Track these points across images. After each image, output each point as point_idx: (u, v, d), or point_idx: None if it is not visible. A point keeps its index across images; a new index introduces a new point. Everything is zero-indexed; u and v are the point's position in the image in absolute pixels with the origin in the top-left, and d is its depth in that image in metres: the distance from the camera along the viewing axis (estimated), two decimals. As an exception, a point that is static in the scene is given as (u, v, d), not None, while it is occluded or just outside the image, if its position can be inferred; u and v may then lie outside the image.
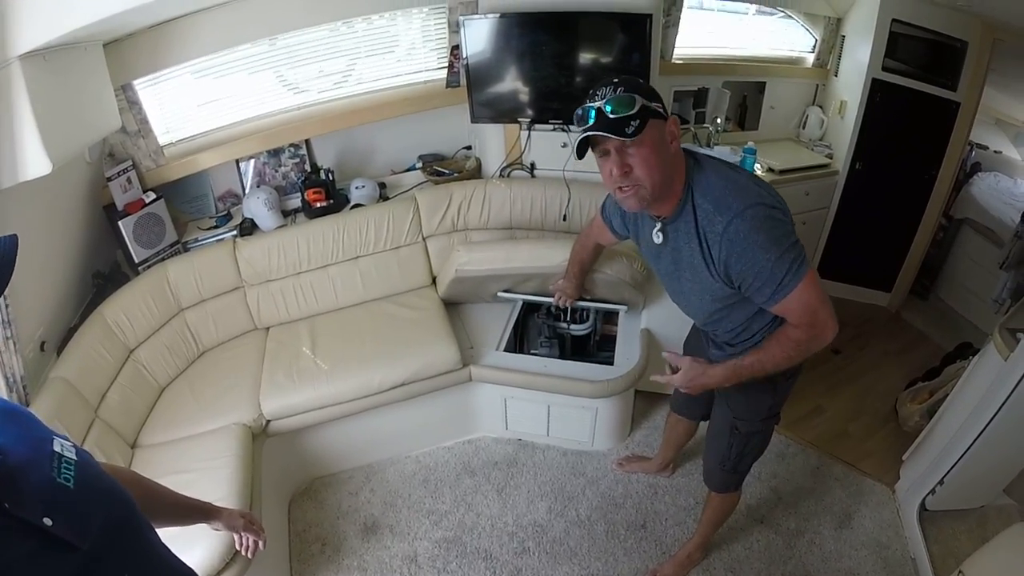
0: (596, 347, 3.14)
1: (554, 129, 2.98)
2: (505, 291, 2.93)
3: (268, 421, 2.58)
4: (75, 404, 2.24)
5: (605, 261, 2.53)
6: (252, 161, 3.29)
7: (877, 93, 3.53)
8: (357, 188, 3.18)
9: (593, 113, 1.48)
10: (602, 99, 1.48)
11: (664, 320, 2.90)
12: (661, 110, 1.53)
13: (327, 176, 3.15)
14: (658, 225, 1.68)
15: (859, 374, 3.47)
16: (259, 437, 2.57)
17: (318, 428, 2.72)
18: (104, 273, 2.90)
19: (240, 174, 3.39)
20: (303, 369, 2.69)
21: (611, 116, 1.46)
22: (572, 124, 1.58)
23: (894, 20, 3.35)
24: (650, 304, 2.89)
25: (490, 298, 3.01)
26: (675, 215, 1.61)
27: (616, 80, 1.50)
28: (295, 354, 2.79)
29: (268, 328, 3.04)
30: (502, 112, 3.00)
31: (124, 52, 2.57)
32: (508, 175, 3.16)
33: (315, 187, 3.09)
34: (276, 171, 3.41)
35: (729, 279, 1.57)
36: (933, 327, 3.89)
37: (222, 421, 2.50)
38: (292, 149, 3.39)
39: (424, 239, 3.11)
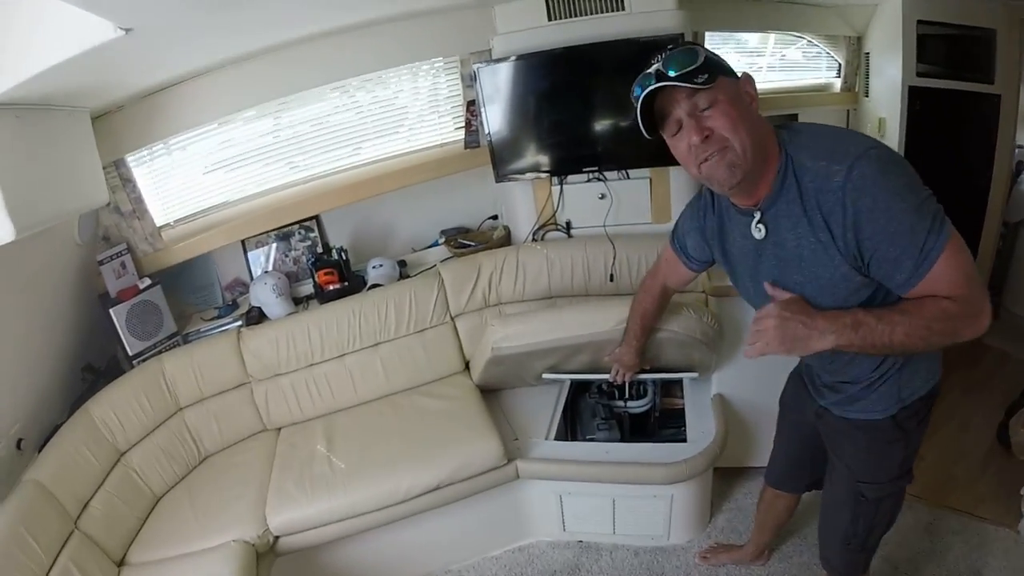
0: (657, 424, 2.65)
1: (589, 179, 2.64)
2: (550, 371, 2.50)
3: (276, 537, 2.16)
4: (49, 512, 1.92)
5: (670, 317, 2.10)
6: (263, 248, 2.98)
7: (916, 101, 3.17)
8: (375, 268, 2.80)
9: (652, 80, 1.21)
10: (659, 62, 1.21)
11: (739, 381, 2.45)
12: (729, 69, 1.26)
13: (340, 255, 2.80)
14: (756, 216, 1.33)
15: (949, 411, 2.99)
16: (266, 556, 2.16)
17: (337, 544, 2.26)
18: (98, 368, 2.60)
19: (247, 260, 3.11)
20: (317, 476, 2.26)
21: (674, 75, 1.19)
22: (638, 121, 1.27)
23: (919, 22, 3.06)
24: (721, 365, 2.44)
25: (534, 380, 2.57)
26: (774, 194, 1.28)
27: (669, 47, 1.24)
28: (308, 458, 2.37)
29: (279, 429, 2.64)
30: (529, 166, 2.66)
31: (115, 125, 2.38)
32: (542, 238, 2.78)
33: (327, 268, 2.74)
34: (287, 256, 3.08)
35: (859, 253, 1.21)
36: (1012, 343, 3.39)
37: (221, 537, 2.10)
38: (303, 232, 3.08)
39: (452, 318, 2.71)
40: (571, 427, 2.64)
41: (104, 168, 2.34)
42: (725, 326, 2.30)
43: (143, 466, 2.35)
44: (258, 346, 2.59)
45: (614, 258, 2.61)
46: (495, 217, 3.10)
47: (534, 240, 2.77)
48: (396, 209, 3.10)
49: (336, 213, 3.03)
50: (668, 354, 2.25)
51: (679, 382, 2.62)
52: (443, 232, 3.08)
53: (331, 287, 2.73)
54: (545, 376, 2.51)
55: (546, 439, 2.39)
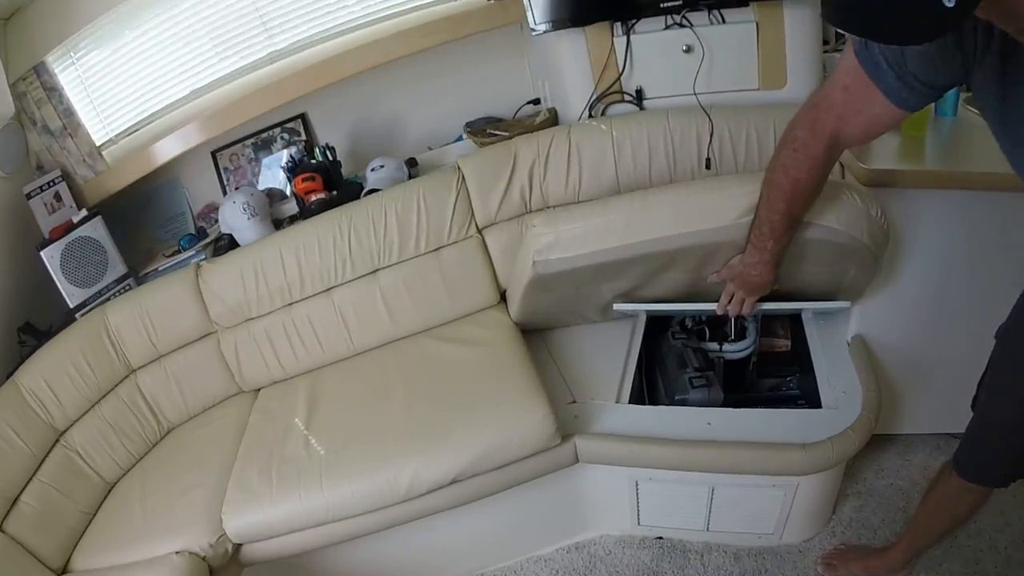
0: (755, 374, 1.86)
1: (668, 26, 1.78)
2: (624, 299, 1.69)
3: (238, 545, 1.56)
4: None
5: (825, 207, 1.28)
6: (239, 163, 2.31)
7: None
8: (373, 171, 2.05)
9: None
10: None
11: (891, 316, 1.65)
12: None
13: (325, 155, 2.03)
14: None
15: None
16: (226, 570, 1.57)
17: (327, 551, 1.62)
18: (41, 328, 2.04)
19: (221, 179, 2.39)
20: (288, 463, 1.59)
21: None
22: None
23: None
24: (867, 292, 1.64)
25: (597, 315, 1.79)
26: None
27: None
28: (282, 434, 1.69)
29: (258, 390, 1.96)
30: (582, 8, 1.80)
31: (27, 22, 1.95)
32: (602, 113, 1.93)
33: (306, 172, 1.98)
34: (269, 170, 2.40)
35: None
36: None
37: (169, 544, 1.52)
38: (286, 136, 2.35)
39: (479, 231, 1.90)
40: (649, 382, 1.85)
41: (23, 78, 1.98)
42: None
43: (88, 447, 1.79)
44: (221, 284, 1.89)
45: (711, 136, 1.76)
46: (536, 101, 2.27)
47: (591, 117, 1.93)
48: (405, 99, 2.33)
49: (328, 109, 2.31)
50: (810, 270, 1.44)
51: (786, 317, 1.82)
52: (468, 125, 2.27)
53: (314, 198, 1.96)
54: (617, 308, 1.69)
55: (617, 402, 1.61)
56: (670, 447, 1.48)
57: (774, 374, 1.83)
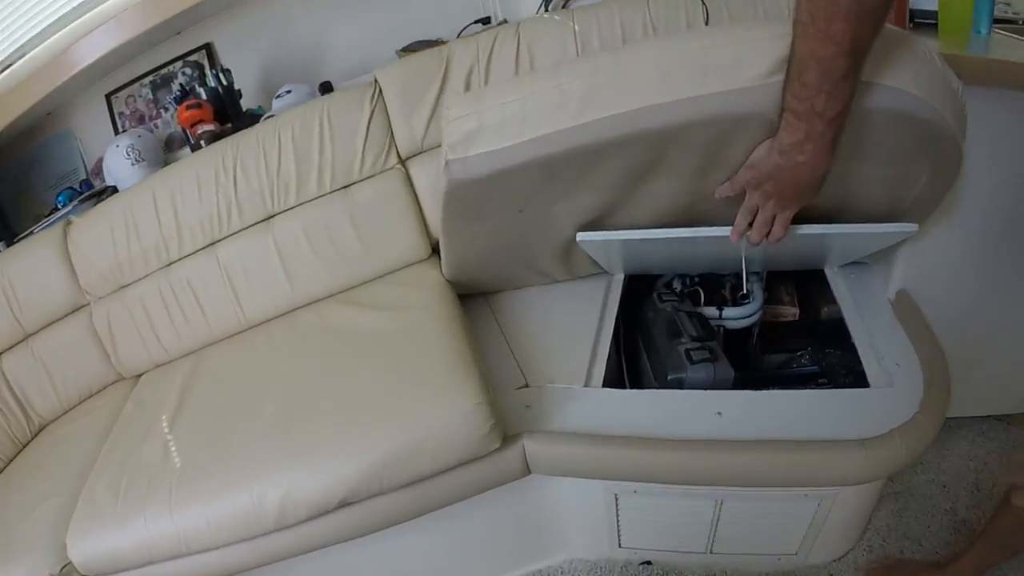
0: (758, 348, 1.40)
1: None
2: (589, 223, 1.14)
3: None
4: None
5: (887, 60, 0.80)
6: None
7: None
8: (279, 98, 1.58)
9: None
10: None
11: (946, 262, 1.20)
12: None
13: (219, 80, 1.57)
14: None
15: None
16: None
17: None
18: None
19: (115, 124, 1.99)
20: (143, 468, 1.15)
21: None
22: None
23: None
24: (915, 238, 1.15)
25: (557, 264, 1.28)
26: None
27: None
28: (144, 431, 1.24)
29: (139, 376, 1.51)
30: None
31: None
32: (563, 5, 1.48)
33: (192, 101, 1.53)
34: (166, 110, 1.91)
35: None
36: None
37: (7, 571, 1.12)
38: (188, 72, 1.89)
39: (402, 161, 1.42)
40: (631, 362, 1.36)
41: None
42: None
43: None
44: (90, 243, 1.46)
45: (706, 23, 1.31)
46: (486, 20, 1.79)
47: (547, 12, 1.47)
48: (328, 23, 1.86)
49: (237, 36, 1.83)
50: (866, 174, 0.97)
51: (792, 281, 1.38)
52: (401, 50, 1.75)
53: (201, 130, 1.50)
54: (582, 239, 1.15)
55: (586, 386, 1.14)
56: (664, 451, 1.01)
57: (782, 348, 1.37)
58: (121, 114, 1.86)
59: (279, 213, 1.38)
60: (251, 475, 1.04)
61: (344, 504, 1.02)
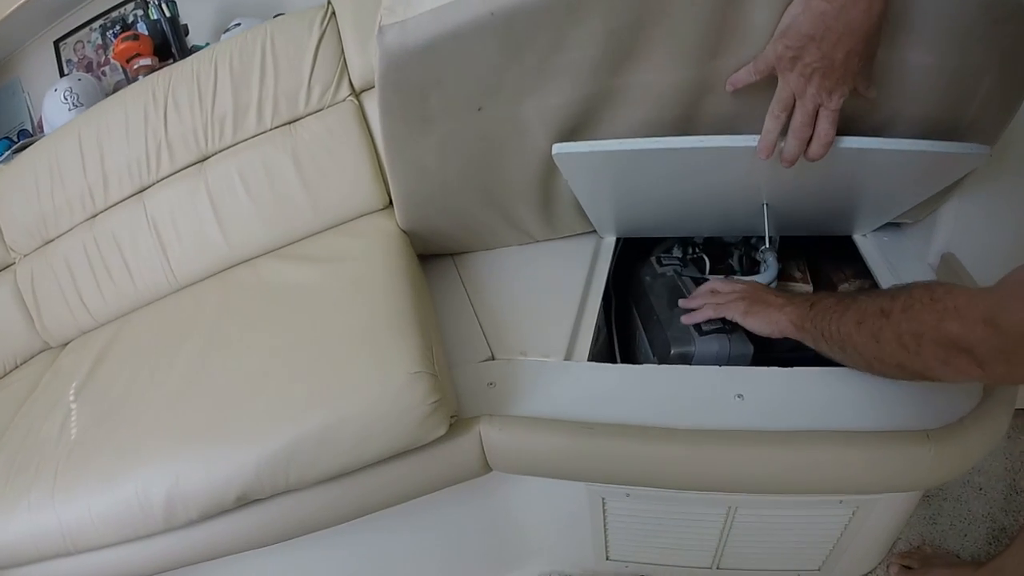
0: None
1: None
2: (569, 136, 0.87)
3: None
4: None
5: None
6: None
7: None
8: (228, 31, 1.36)
9: None
10: None
11: (997, 219, 0.95)
12: None
13: (161, 11, 1.34)
14: None
15: None
16: None
17: None
18: None
19: (63, 72, 1.79)
20: (39, 445, 0.93)
21: None
22: None
23: None
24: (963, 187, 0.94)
25: (531, 206, 1.00)
26: None
27: None
28: (52, 403, 1.02)
29: (66, 344, 1.29)
30: None
31: None
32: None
33: (129, 34, 1.31)
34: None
35: None
36: None
37: None
38: (141, 12, 1.71)
39: (356, 93, 1.18)
40: (625, 339, 1.12)
41: None
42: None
43: None
44: (14, 194, 1.25)
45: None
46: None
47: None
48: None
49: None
50: (918, 62, 0.72)
51: (802, 256, 1.14)
52: None
53: (138, 64, 1.30)
54: (559, 152, 0.85)
55: (567, 359, 0.89)
56: (667, 444, 0.76)
57: None
58: (69, 61, 1.65)
59: (213, 155, 1.16)
60: (138, 460, 0.82)
61: (244, 501, 0.79)
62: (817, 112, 0.71)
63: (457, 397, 0.83)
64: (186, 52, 1.37)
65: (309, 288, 0.96)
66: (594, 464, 0.80)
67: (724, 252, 1.08)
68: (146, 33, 1.32)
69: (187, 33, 1.38)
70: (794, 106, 0.71)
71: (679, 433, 0.77)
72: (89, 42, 1.68)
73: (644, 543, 1.04)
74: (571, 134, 0.82)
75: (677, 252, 1.09)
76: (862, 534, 0.95)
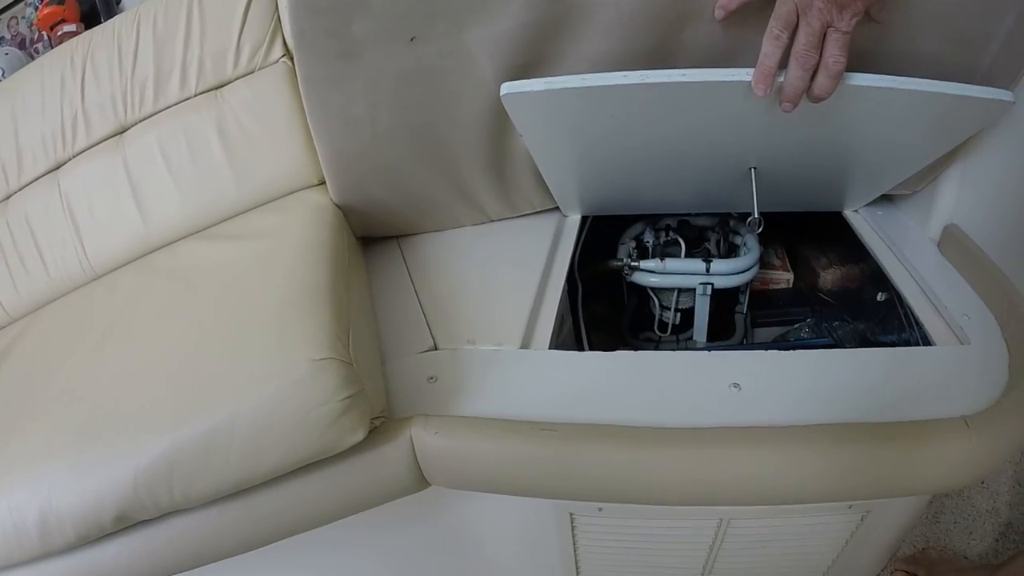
0: (748, 317, 1.00)
1: None
2: (520, 71, 0.69)
3: None
4: None
5: None
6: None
7: None
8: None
9: None
10: None
11: (1005, 189, 0.76)
12: None
13: (93, -24, 1.18)
14: None
15: None
16: None
17: None
18: None
19: None
20: None
21: None
22: None
23: None
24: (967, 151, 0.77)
25: (484, 168, 0.82)
26: None
27: None
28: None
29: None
30: None
31: None
32: None
33: (54, -1, 1.16)
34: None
35: None
36: None
37: None
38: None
39: (290, 54, 0.96)
40: (591, 324, 0.95)
41: None
42: None
43: None
44: None
45: None
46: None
47: None
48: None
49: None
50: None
51: (782, 245, 1.01)
52: None
53: (62, 31, 1.15)
54: (508, 91, 0.62)
55: (523, 347, 0.71)
56: (646, 447, 0.59)
57: (777, 319, 0.99)
58: (2, 39, 1.50)
59: (133, 125, 0.97)
60: (10, 472, 0.63)
61: (126, 523, 0.61)
62: (825, 35, 0.55)
63: (387, 395, 0.66)
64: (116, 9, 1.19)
65: (220, 269, 0.79)
66: (558, 475, 0.63)
67: (700, 236, 0.92)
68: (74, -1, 1.16)
69: (119, 1, 1.21)
70: (797, 26, 0.55)
71: (663, 433, 0.60)
72: (23, 18, 1.52)
73: (620, 565, 0.86)
74: (523, 72, 0.65)
75: (648, 238, 0.92)
76: (869, 541, 0.79)
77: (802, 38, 0.55)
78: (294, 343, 0.58)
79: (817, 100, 0.60)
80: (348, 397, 0.56)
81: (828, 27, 0.55)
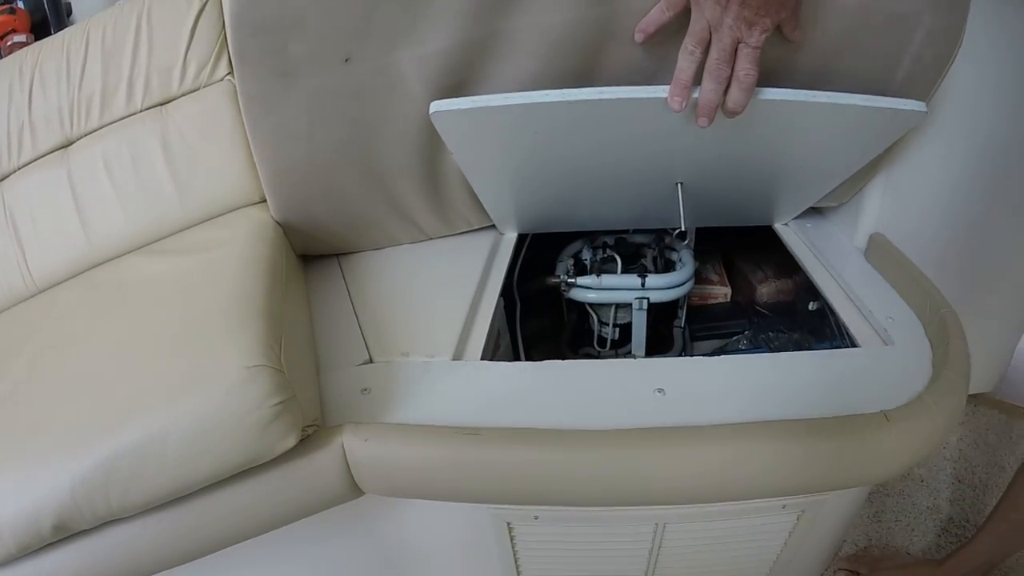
0: (687, 331, 1.09)
1: None
2: (451, 91, 0.73)
3: None
4: None
5: None
6: None
7: None
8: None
9: None
10: None
11: (931, 196, 0.90)
12: None
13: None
14: None
15: None
16: None
17: None
18: None
19: None
20: None
21: None
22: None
23: None
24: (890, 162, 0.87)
25: (419, 185, 0.87)
26: None
27: None
28: None
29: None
30: None
31: None
32: None
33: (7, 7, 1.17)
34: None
35: None
36: None
37: None
38: None
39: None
40: (530, 340, 1.02)
41: None
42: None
43: None
44: None
45: None
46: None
47: None
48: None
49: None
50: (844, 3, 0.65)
51: (719, 259, 1.09)
52: None
53: (12, 41, 1.15)
54: (437, 110, 0.69)
55: (455, 359, 0.76)
56: (574, 449, 0.63)
57: (715, 333, 1.06)
58: None
59: (78, 139, 0.99)
60: None
61: (65, 532, 0.63)
62: (736, 50, 0.60)
63: (322, 405, 0.69)
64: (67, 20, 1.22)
65: (159, 283, 0.81)
66: (486, 480, 0.66)
67: (637, 252, 0.98)
68: (22, 7, 1.18)
69: (70, 13, 1.24)
70: (710, 42, 0.61)
71: (583, 435, 0.63)
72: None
73: (561, 568, 0.89)
74: (454, 90, 0.70)
75: (586, 255, 0.98)
76: (809, 541, 0.84)
77: (714, 53, 0.61)
78: (227, 351, 0.61)
79: (732, 114, 0.65)
80: (279, 403, 0.59)
81: (739, 43, 0.61)
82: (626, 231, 1.00)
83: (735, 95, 0.64)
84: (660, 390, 0.69)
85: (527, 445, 0.63)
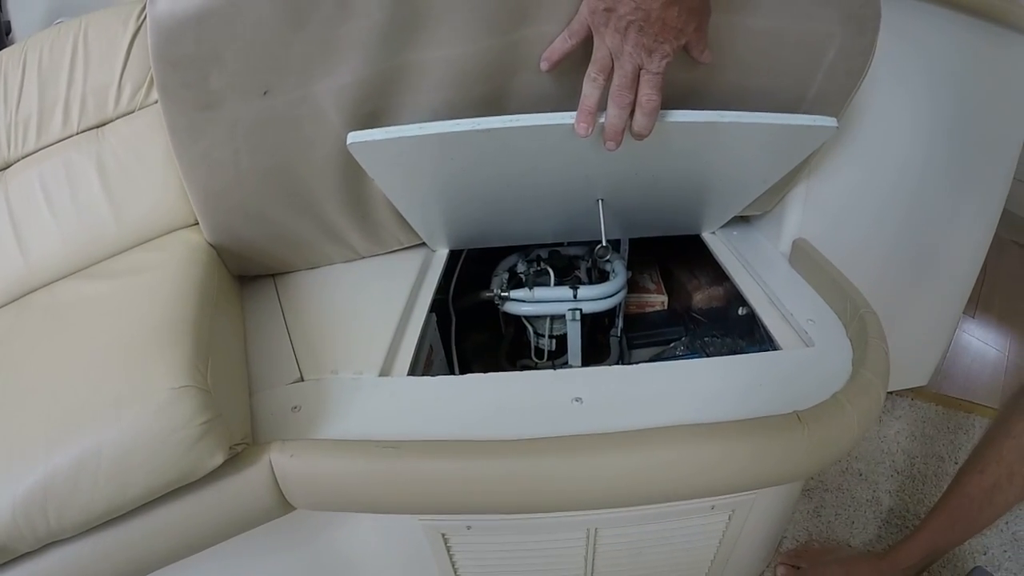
0: (624, 340, 1.19)
1: None
2: (368, 119, 0.81)
3: None
4: None
5: None
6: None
7: None
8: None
9: None
10: None
11: (853, 201, 1.04)
12: None
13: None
14: None
15: None
16: None
17: None
18: None
19: None
20: None
21: None
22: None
23: None
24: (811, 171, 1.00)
25: (345, 207, 0.95)
26: None
27: None
28: None
29: None
30: None
31: None
32: None
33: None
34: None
35: None
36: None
37: None
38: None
39: None
40: (465, 356, 1.12)
41: None
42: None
43: None
44: None
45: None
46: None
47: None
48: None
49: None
50: (758, 28, 0.74)
51: (656, 267, 1.19)
52: None
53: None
54: (354, 141, 0.76)
55: (382, 375, 0.85)
56: (496, 458, 0.71)
57: (651, 340, 1.16)
58: None
59: (15, 162, 1.07)
60: None
61: (9, 555, 0.70)
62: (639, 76, 0.69)
63: (252, 424, 0.77)
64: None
65: (93, 305, 0.88)
66: (406, 492, 0.74)
67: (571, 265, 1.07)
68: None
69: (9, 32, 1.31)
70: (613, 69, 0.69)
71: (500, 445, 0.72)
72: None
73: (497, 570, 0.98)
74: (371, 120, 0.78)
75: (521, 267, 1.06)
76: (743, 539, 0.93)
77: (617, 80, 0.69)
78: (156, 372, 0.69)
79: (639, 137, 0.74)
80: (205, 422, 0.67)
81: (640, 69, 0.68)
82: (561, 244, 1.10)
83: (639, 120, 0.72)
84: (578, 399, 0.78)
85: (443, 456, 0.71)
